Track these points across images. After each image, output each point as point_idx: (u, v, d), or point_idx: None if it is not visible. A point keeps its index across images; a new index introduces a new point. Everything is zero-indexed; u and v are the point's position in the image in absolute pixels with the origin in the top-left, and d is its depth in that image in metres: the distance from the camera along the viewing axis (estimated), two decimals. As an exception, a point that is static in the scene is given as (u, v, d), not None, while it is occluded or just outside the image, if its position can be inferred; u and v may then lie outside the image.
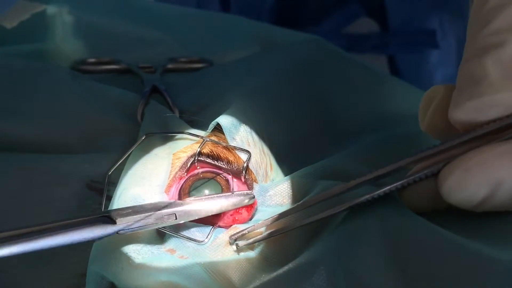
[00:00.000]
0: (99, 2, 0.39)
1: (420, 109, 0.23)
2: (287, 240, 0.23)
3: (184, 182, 0.25)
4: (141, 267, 0.22)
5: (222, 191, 0.24)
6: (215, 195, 0.24)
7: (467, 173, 0.19)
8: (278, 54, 0.35)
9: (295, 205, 0.23)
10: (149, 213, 0.22)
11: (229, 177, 0.25)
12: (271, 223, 0.22)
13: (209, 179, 0.25)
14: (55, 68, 0.33)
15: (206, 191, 0.24)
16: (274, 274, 0.20)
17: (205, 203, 0.23)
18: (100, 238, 0.21)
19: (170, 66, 0.35)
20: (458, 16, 0.48)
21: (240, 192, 0.24)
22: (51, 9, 0.37)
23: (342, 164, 0.26)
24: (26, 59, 0.33)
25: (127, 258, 0.22)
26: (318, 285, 0.18)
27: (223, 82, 0.31)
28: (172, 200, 0.24)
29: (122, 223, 0.21)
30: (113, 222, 0.21)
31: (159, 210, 0.22)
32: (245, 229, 0.23)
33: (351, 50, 0.51)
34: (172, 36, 0.38)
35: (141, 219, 0.22)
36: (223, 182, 0.25)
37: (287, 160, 0.27)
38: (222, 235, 0.23)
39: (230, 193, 0.24)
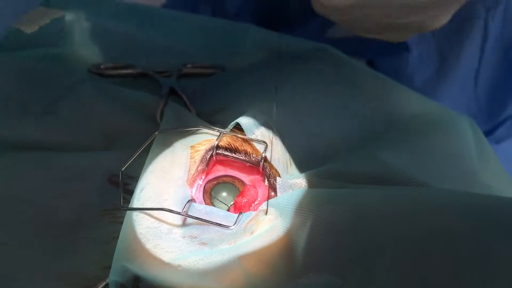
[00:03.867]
0: (115, 9, 0.40)
1: None
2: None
3: (206, 184, 0.26)
4: (168, 265, 0.22)
5: (240, 193, 0.26)
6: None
7: None
8: (289, 61, 0.36)
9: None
10: None
11: (247, 179, 0.26)
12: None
13: (229, 183, 0.27)
14: (74, 71, 0.34)
15: (224, 194, 0.26)
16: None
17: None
18: None
19: (184, 71, 0.36)
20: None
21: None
22: (69, 15, 0.38)
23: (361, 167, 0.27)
24: (46, 63, 0.34)
25: (154, 256, 0.23)
26: None
27: (239, 87, 0.33)
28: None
29: None
30: None
31: None
32: None
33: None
34: (184, 43, 0.39)
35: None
36: (241, 187, 0.26)
37: (305, 161, 0.28)
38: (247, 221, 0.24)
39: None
